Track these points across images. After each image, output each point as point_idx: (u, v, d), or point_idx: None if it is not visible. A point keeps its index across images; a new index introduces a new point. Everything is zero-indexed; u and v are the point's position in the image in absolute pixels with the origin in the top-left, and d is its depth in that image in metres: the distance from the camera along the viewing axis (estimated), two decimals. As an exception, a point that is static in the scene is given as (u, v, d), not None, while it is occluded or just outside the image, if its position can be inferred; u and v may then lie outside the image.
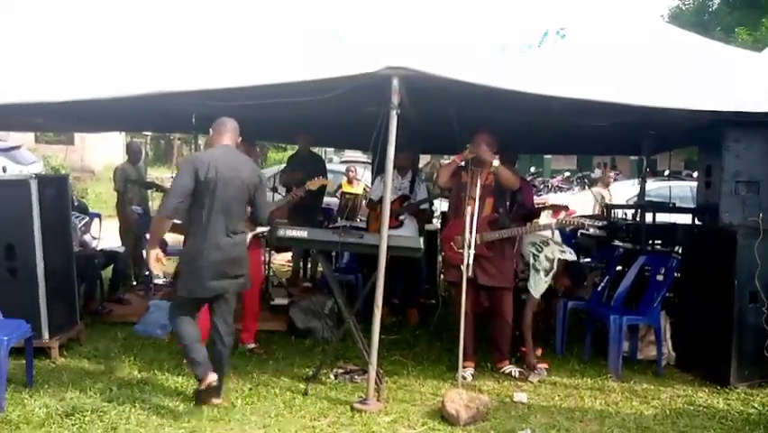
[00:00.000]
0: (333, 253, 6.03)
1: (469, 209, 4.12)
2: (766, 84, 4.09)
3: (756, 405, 4.08)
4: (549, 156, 24.52)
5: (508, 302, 4.52)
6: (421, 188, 5.98)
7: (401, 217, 5.82)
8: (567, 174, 23.86)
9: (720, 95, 3.91)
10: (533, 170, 23.75)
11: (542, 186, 21.08)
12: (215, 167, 3.55)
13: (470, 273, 4.13)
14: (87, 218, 6.50)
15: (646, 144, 6.26)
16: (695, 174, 4.69)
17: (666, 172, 11.14)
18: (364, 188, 9.77)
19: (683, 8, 23.05)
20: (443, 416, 3.70)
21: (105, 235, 7.20)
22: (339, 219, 7.60)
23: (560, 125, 4.72)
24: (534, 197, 7.15)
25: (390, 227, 5.61)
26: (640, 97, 3.78)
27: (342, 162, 14.16)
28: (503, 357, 4.62)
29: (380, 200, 5.41)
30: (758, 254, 4.22)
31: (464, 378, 4.23)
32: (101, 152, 18.66)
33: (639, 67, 4.02)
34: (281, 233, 4.08)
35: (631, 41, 4.23)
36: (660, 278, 4.85)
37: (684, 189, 9.08)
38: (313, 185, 5.03)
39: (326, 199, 7.98)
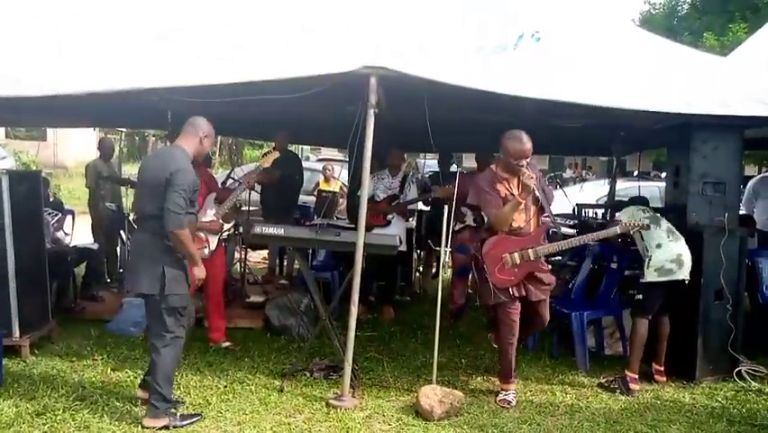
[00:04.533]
0: (310, 251, 6.05)
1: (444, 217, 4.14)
2: (732, 87, 4.22)
3: (720, 399, 4.22)
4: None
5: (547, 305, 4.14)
6: (411, 189, 6.01)
7: (389, 217, 5.86)
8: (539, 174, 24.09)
9: (689, 97, 4.02)
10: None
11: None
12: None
13: (517, 293, 3.87)
14: (60, 215, 6.39)
15: (617, 145, 6.39)
16: (663, 174, 4.79)
17: (635, 173, 11.35)
18: (341, 187, 9.78)
19: (654, 12, 23.48)
20: (417, 411, 3.75)
21: (79, 232, 7.10)
22: (316, 217, 7.61)
23: (533, 126, 4.80)
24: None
25: (378, 226, 5.69)
26: (612, 99, 3.86)
27: (319, 161, 14.13)
28: None
29: (370, 199, 5.45)
30: (723, 253, 4.34)
31: (509, 402, 3.95)
32: (74, 148, 18.38)
33: (611, 69, 4.12)
34: (258, 230, 4.08)
35: (603, 45, 4.33)
36: (614, 266, 4.98)
37: (652, 190, 9.29)
38: (266, 162, 4.96)
39: (303, 197, 7.97)
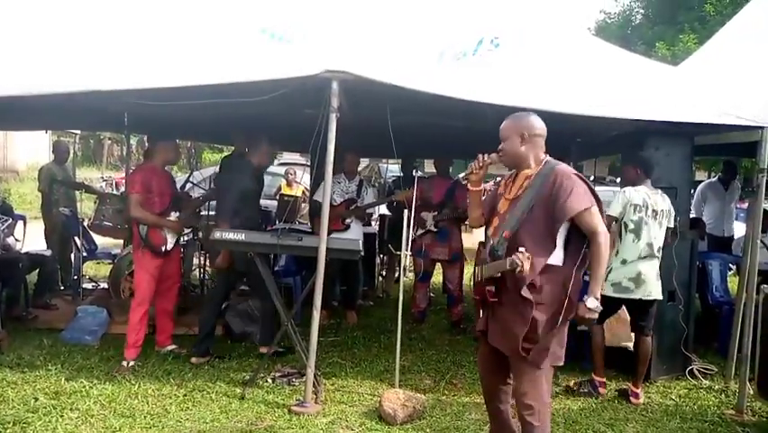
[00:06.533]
0: (272, 256, 5.99)
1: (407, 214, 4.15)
2: (683, 96, 4.37)
3: (673, 397, 4.36)
4: (483, 161, 25.11)
5: (529, 380, 2.78)
6: (368, 193, 6.03)
7: (347, 221, 5.86)
8: (499, 179, 24.51)
9: (642, 105, 4.14)
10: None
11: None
12: None
13: (482, 323, 2.96)
14: (10, 220, 6.16)
15: (573, 151, 6.53)
16: (618, 180, 4.91)
17: (591, 177, 11.64)
18: (303, 191, 9.73)
19: (609, 22, 24.13)
20: (380, 416, 3.75)
21: (32, 238, 6.86)
22: (277, 222, 7.55)
23: (493, 131, 4.88)
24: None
25: (336, 231, 5.69)
26: (569, 106, 3.95)
27: (281, 165, 14.00)
28: None
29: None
30: (675, 256, 4.48)
31: None
32: (25, 152, 17.81)
33: (568, 76, 4.21)
34: (218, 235, 4.03)
35: (560, 52, 4.43)
36: None
37: (608, 194, 9.51)
38: None
39: (265, 202, 7.88)
